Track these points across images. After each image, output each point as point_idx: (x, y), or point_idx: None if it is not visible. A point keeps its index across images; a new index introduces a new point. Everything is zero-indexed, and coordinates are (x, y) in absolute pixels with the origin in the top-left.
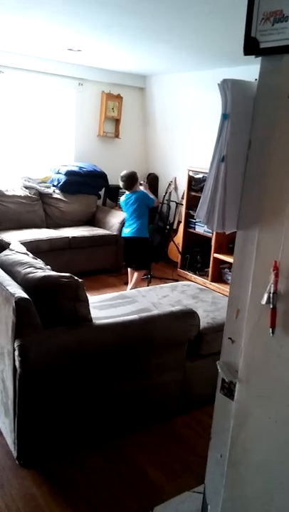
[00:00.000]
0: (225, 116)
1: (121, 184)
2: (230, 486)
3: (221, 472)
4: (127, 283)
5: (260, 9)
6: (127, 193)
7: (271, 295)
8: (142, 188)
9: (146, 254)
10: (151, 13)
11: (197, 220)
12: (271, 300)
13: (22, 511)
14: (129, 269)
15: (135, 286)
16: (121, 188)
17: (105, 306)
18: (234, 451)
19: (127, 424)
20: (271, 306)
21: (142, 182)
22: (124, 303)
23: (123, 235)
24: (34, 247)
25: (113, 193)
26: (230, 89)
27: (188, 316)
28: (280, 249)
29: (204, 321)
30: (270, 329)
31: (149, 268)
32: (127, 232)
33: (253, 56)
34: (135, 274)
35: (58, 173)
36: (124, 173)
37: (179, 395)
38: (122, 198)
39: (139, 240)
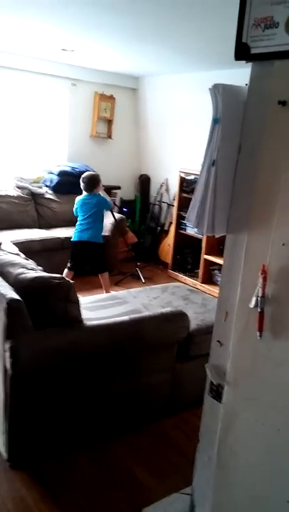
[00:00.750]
0: (216, 121)
1: (82, 185)
2: (217, 489)
3: (208, 474)
4: (118, 283)
5: (251, 15)
6: (86, 194)
7: (259, 299)
8: (100, 192)
9: (103, 258)
10: (144, 14)
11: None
12: (259, 303)
13: None
14: (67, 271)
15: (108, 290)
16: (113, 189)
17: (96, 307)
18: (222, 454)
19: (117, 425)
20: (259, 310)
21: (100, 192)
22: (115, 304)
23: (77, 238)
24: (26, 248)
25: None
26: (221, 93)
27: (178, 317)
28: (268, 253)
29: (194, 323)
30: (258, 332)
31: (107, 269)
32: (82, 236)
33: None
34: (102, 280)
35: (51, 173)
36: (86, 174)
37: (168, 396)
38: (79, 198)
39: (95, 245)
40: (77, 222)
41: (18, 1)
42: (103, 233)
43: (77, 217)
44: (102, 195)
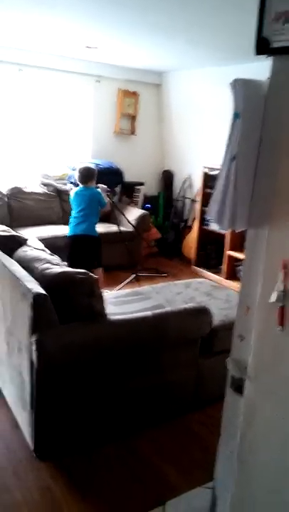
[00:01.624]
0: (236, 115)
1: (76, 176)
2: (238, 482)
3: (230, 468)
4: (138, 279)
5: (271, 9)
6: (80, 186)
7: (280, 293)
8: (99, 190)
9: (98, 253)
10: (166, 9)
11: None
12: (280, 298)
13: (38, 503)
14: None
15: (103, 287)
16: (137, 185)
17: (120, 303)
18: (243, 448)
19: (141, 419)
20: (280, 305)
21: (99, 185)
22: (138, 299)
23: (72, 232)
24: (51, 244)
25: (129, 190)
26: (242, 88)
27: (201, 313)
28: None
29: (217, 319)
30: (279, 327)
31: (102, 265)
32: (76, 230)
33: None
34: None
35: (75, 170)
36: (83, 166)
37: (192, 392)
38: (74, 191)
39: (90, 239)
40: (71, 216)
41: (42, 1)
42: (127, 229)
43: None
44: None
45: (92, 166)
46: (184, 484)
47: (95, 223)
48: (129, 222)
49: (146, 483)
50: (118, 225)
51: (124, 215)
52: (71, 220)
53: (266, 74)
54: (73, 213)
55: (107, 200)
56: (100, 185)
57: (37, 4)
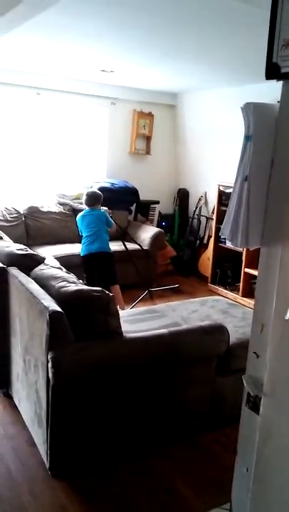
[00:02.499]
0: (248, 138)
1: (84, 199)
2: (255, 501)
3: (246, 487)
4: (151, 295)
5: (280, 36)
6: (87, 209)
7: None
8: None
9: (113, 269)
10: (181, 33)
11: None
12: None
13: None
14: None
15: (122, 305)
16: (153, 203)
17: (135, 320)
18: (259, 466)
19: (157, 438)
20: None
21: (105, 208)
22: (153, 317)
23: (87, 251)
24: (67, 262)
25: (144, 209)
26: (253, 112)
27: (217, 331)
28: None
29: (234, 337)
30: None
31: (117, 281)
32: (91, 248)
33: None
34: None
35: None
36: (91, 190)
37: (208, 410)
38: (80, 215)
39: (106, 255)
40: (83, 237)
41: (58, 27)
42: (144, 247)
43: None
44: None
45: (98, 191)
46: (200, 505)
47: (108, 240)
48: (134, 241)
49: (162, 504)
50: (134, 241)
51: (128, 235)
52: (84, 240)
53: (279, 93)
54: (85, 234)
55: (112, 220)
56: (102, 207)
57: (54, 31)
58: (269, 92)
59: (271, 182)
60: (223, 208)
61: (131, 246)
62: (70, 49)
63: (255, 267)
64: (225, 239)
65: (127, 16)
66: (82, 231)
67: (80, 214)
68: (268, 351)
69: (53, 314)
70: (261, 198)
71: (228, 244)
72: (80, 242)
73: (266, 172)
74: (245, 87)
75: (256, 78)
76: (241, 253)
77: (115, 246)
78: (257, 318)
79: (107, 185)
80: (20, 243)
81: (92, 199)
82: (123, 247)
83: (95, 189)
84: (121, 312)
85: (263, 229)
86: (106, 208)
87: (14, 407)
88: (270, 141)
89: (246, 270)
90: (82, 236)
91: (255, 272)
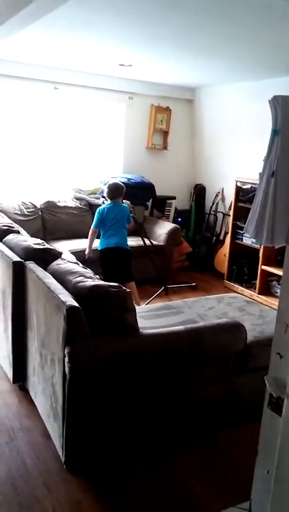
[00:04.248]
0: (275, 132)
1: (106, 192)
2: (276, 504)
3: (267, 489)
4: (167, 292)
5: None
6: (109, 202)
7: None
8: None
9: (130, 265)
10: (199, 26)
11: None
12: None
13: None
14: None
15: (138, 301)
16: (169, 199)
17: (152, 316)
18: (281, 469)
19: (173, 435)
20: None
21: (124, 201)
22: (169, 313)
23: (105, 246)
24: (83, 257)
25: (160, 204)
26: (281, 105)
27: (234, 328)
28: None
29: (251, 335)
30: None
31: (133, 278)
32: (110, 242)
33: None
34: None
35: (105, 184)
36: (112, 182)
37: (225, 409)
38: (103, 207)
39: (124, 252)
40: (103, 231)
41: (77, 22)
42: (160, 243)
43: (95, 229)
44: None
45: (120, 182)
46: (217, 504)
47: (126, 236)
48: (148, 239)
49: (178, 502)
50: (148, 238)
51: (145, 233)
52: (102, 233)
53: None
54: (105, 227)
55: (131, 215)
56: (124, 201)
57: (72, 25)
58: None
59: None
60: (241, 204)
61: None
62: (88, 43)
63: (272, 265)
64: (242, 235)
65: (145, 10)
66: (98, 224)
67: (102, 206)
68: None
69: (70, 309)
70: (288, 194)
71: (245, 241)
72: (89, 236)
73: None
74: (264, 82)
75: (275, 72)
76: (258, 250)
77: (132, 242)
78: (281, 318)
79: (124, 180)
80: (37, 237)
81: (114, 191)
82: (140, 243)
83: (117, 181)
84: (137, 308)
85: None
86: (128, 202)
87: (30, 401)
88: None
89: (263, 267)
90: (94, 228)
91: (272, 270)
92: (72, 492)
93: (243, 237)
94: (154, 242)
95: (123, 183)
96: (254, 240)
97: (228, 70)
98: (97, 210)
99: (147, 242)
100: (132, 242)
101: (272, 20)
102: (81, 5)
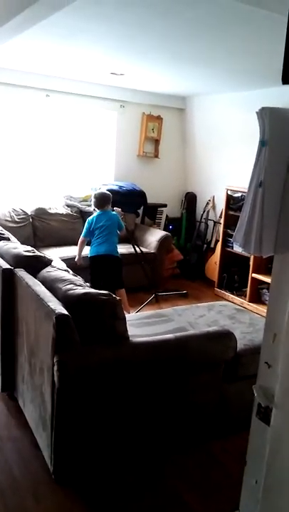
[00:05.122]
0: (263, 143)
1: (92, 202)
2: None
3: (255, 498)
4: (158, 299)
5: None
6: (98, 211)
7: None
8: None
9: (120, 273)
10: (191, 37)
11: None
12: None
13: None
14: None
15: (128, 308)
16: (160, 207)
17: (142, 324)
18: (269, 478)
19: (163, 445)
20: None
21: (115, 208)
22: (160, 321)
23: (94, 253)
24: (74, 264)
25: (152, 212)
26: (269, 117)
27: (224, 337)
28: None
29: (241, 343)
30: None
31: (123, 285)
32: (99, 250)
33: None
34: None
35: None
36: (99, 191)
37: (215, 417)
38: (90, 218)
39: (113, 259)
40: (93, 239)
41: (69, 29)
42: (151, 250)
43: (84, 239)
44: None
45: (106, 191)
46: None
47: (116, 243)
48: (138, 247)
49: (168, 511)
50: (138, 246)
51: (135, 241)
52: (93, 241)
53: None
54: (94, 236)
55: (123, 223)
56: (115, 208)
57: (65, 33)
58: (279, 96)
59: (286, 188)
60: (231, 213)
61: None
62: (80, 51)
63: (263, 273)
64: (233, 244)
65: (138, 20)
66: (87, 234)
67: (91, 216)
68: (280, 361)
69: (60, 317)
70: (276, 204)
71: (236, 249)
72: (78, 244)
73: (281, 178)
74: (255, 92)
75: (266, 82)
76: (249, 258)
77: (122, 249)
78: (269, 327)
79: (115, 187)
80: (28, 244)
81: (101, 201)
82: (130, 250)
83: (104, 190)
84: (127, 316)
85: (277, 236)
86: (119, 209)
87: (19, 410)
88: (286, 146)
89: (253, 275)
90: (83, 238)
91: (262, 278)
92: (61, 503)
93: (234, 245)
94: (145, 250)
95: (114, 190)
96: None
97: (219, 79)
98: (87, 219)
99: (138, 249)
100: (123, 249)
101: (263, 31)
102: (74, 14)
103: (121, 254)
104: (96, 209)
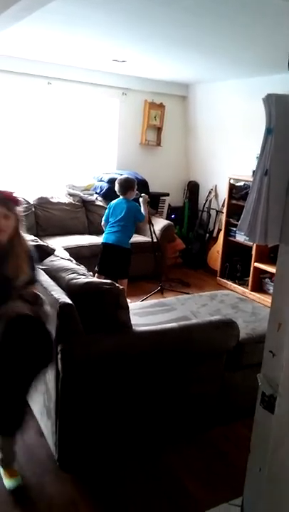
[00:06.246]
0: (269, 131)
1: (116, 187)
2: (268, 501)
3: (259, 486)
4: (163, 292)
5: None
6: (121, 198)
7: None
8: (140, 200)
9: (126, 264)
10: (193, 23)
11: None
12: None
13: None
14: (96, 275)
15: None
16: (162, 196)
17: (145, 313)
18: (273, 466)
19: (166, 433)
20: None
21: (142, 195)
22: (163, 310)
23: (104, 240)
24: (76, 253)
25: (154, 201)
26: (275, 104)
27: (227, 326)
28: None
29: (244, 332)
30: None
31: (128, 276)
32: (109, 238)
33: None
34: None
35: (101, 180)
36: (122, 177)
37: (217, 406)
38: (112, 202)
39: (120, 250)
40: (108, 225)
41: (70, 16)
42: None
43: (104, 223)
44: (142, 206)
45: (131, 177)
46: (209, 500)
47: (129, 236)
48: (154, 234)
49: (172, 498)
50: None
51: (152, 229)
52: (106, 228)
53: None
54: (109, 223)
55: (146, 212)
56: (143, 194)
57: (66, 20)
58: (282, 83)
59: None
60: (234, 202)
61: (140, 238)
62: (82, 38)
63: (265, 262)
64: (235, 232)
65: (138, 6)
66: (106, 219)
67: (114, 201)
68: (285, 350)
69: (63, 306)
70: (282, 193)
71: (238, 238)
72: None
73: (287, 166)
74: (258, 79)
75: (269, 69)
76: (251, 247)
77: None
78: (274, 316)
79: (117, 176)
80: (30, 234)
81: (124, 188)
82: (138, 239)
83: (127, 175)
84: (131, 305)
85: (282, 225)
86: (146, 196)
87: None
88: None
89: (256, 265)
90: (104, 222)
91: (264, 267)
92: (66, 490)
93: (236, 235)
94: (147, 239)
95: (116, 179)
96: (247, 238)
97: (222, 66)
98: (109, 204)
99: (145, 238)
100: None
101: (267, 18)
102: (73, 0)
103: (133, 242)
104: (119, 195)
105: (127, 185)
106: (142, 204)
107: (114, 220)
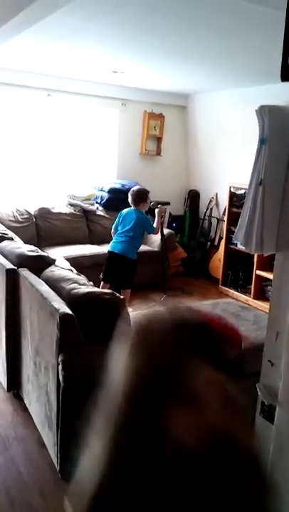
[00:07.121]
0: (262, 141)
1: (129, 199)
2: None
3: None
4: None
5: None
6: (132, 208)
7: None
8: (156, 211)
9: (131, 275)
10: (191, 34)
11: None
12: None
13: None
14: (102, 284)
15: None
16: (163, 204)
17: None
18: (274, 476)
19: None
20: None
21: (159, 206)
22: None
23: (110, 248)
24: (78, 263)
25: (154, 210)
26: (268, 115)
27: None
28: None
29: (246, 341)
30: None
31: (131, 287)
32: (115, 247)
33: None
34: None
35: (101, 190)
36: (135, 188)
37: None
38: (125, 210)
39: (126, 260)
40: (116, 233)
41: (70, 29)
42: (155, 249)
43: (113, 231)
44: (156, 217)
45: (144, 188)
46: None
47: (137, 247)
48: (163, 243)
49: None
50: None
51: (164, 240)
52: (114, 237)
53: None
54: (118, 231)
55: (158, 224)
56: (159, 206)
57: (65, 32)
58: (281, 93)
59: (286, 186)
60: (235, 210)
61: (143, 247)
62: (80, 50)
63: (267, 270)
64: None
65: (136, 18)
66: (115, 227)
67: (125, 210)
68: (283, 359)
69: (64, 317)
70: (276, 202)
71: (240, 246)
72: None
73: (282, 176)
74: (257, 88)
75: (268, 79)
76: (253, 255)
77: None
78: (272, 325)
79: (118, 186)
80: (31, 244)
81: (136, 199)
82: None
83: (140, 187)
84: (131, 314)
85: (278, 234)
86: (164, 208)
87: (25, 409)
88: (285, 144)
89: (258, 272)
90: (113, 230)
91: (266, 275)
92: None
93: (238, 242)
94: (149, 248)
95: (117, 189)
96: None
97: (220, 76)
98: (120, 212)
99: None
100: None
101: (263, 28)
102: (72, 13)
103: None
104: (131, 206)
105: (140, 197)
106: (156, 215)
107: (122, 230)
